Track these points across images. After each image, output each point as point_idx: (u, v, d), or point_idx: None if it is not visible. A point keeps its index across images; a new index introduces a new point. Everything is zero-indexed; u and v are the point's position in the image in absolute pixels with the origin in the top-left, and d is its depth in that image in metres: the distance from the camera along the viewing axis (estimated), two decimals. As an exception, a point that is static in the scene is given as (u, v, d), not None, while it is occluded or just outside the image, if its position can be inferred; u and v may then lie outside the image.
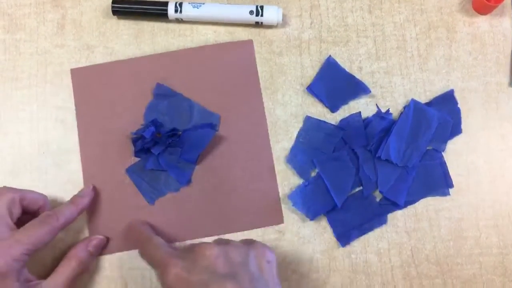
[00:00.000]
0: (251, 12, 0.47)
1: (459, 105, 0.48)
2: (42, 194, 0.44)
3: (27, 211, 0.42)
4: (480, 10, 0.49)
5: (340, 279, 0.45)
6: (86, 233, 0.45)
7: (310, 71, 0.48)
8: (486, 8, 0.48)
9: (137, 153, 0.46)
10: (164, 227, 0.45)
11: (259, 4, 0.47)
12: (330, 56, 0.48)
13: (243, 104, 0.47)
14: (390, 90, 0.48)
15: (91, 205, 0.45)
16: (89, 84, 0.47)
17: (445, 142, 0.47)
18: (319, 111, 0.47)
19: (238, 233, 0.46)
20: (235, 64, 0.48)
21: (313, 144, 0.46)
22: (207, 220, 0.46)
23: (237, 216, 0.46)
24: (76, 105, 0.47)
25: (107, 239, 0.45)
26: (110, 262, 0.45)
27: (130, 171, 0.46)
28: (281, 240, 0.46)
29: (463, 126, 0.47)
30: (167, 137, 0.45)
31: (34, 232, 0.39)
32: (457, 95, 0.48)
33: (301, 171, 0.46)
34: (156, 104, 0.47)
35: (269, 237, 0.46)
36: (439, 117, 0.47)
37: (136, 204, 0.46)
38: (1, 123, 0.47)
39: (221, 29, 0.49)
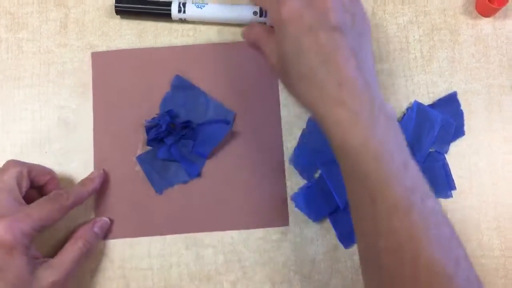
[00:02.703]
0: (255, 13, 0.47)
1: (462, 107, 0.48)
2: (49, 169, 0.44)
3: (34, 185, 0.43)
4: (484, 12, 0.49)
5: (342, 281, 0.45)
6: (92, 216, 0.46)
7: (314, 72, 0.48)
8: (490, 11, 0.48)
9: (149, 142, 0.46)
10: (170, 217, 0.46)
11: None
12: (333, 57, 0.48)
13: (259, 103, 0.47)
14: (393, 92, 0.48)
15: (99, 189, 0.45)
16: (108, 69, 0.48)
17: (448, 144, 0.47)
18: (322, 112, 0.47)
19: (242, 231, 0.46)
20: (255, 62, 0.48)
21: (317, 145, 0.46)
22: (212, 215, 0.46)
23: (243, 214, 0.46)
24: (93, 88, 0.47)
25: (111, 222, 0.45)
26: (112, 262, 0.45)
27: (141, 159, 0.46)
28: (283, 241, 0.46)
29: (466, 128, 0.47)
30: (181, 128, 0.46)
31: (44, 208, 0.39)
32: (460, 97, 0.48)
33: (304, 172, 0.46)
34: (173, 95, 0.47)
35: (271, 238, 0.46)
36: (442, 119, 0.47)
37: (144, 192, 0.46)
38: (4, 122, 0.47)
39: (225, 29, 0.49)
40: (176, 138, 0.46)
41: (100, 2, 0.49)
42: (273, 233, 0.46)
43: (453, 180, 0.46)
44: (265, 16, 0.47)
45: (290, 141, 0.47)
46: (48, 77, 0.48)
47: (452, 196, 0.46)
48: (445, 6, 0.49)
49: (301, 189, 0.46)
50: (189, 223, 0.46)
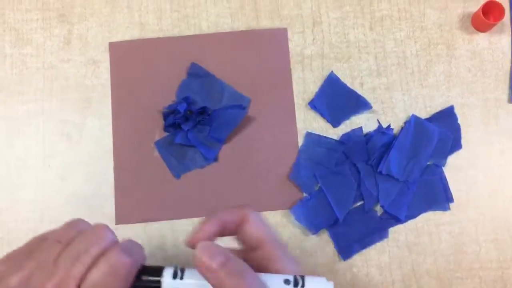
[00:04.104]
0: (286, 282, 0.29)
1: (459, 121, 0.48)
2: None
3: None
4: (480, 27, 0.50)
5: (341, 292, 0.45)
6: (112, 202, 0.47)
7: (312, 87, 0.49)
8: (486, 26, 0.49)
9: (167, 128, 0.47)
10: (188, 201, 0.47)
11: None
12: (332, 72, 0.49)
13: (273, 89, 0.49)
14: (391, 106, 0.49)
15: (118, 176, 0.46)
16: (126, 58, 0.49)
17: (445, 157, 0.47)
18: (321, 126, 0.48)
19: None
20: (268, 50, 0.49)
21: (315, 158, 0.47)
22: (229, 198, 0.47)
23: (258, 196, 0.47)
24: (111, 77, 0.49)
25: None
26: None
27: (159, 144, 0.48)
28: (283, 253, 0.46)
29: (463, 141, 0.48)
30: (198, 114, 0.47)
31: None
32: (457, 111, 0.48)
33: (305, 186, 0.47)
34: (189, 82, 0.49)
35: (271, 251, 0.46)
36: (440, 133, 0.47)
37: (162, 177, 0.47)
38: (8, 136, 0.48)
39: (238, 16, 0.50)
40: (193, 123, 0.47)
41: (103, 18, 0.50)
42: (273, 245, 0.46)
43: (450, 193, 0.47)
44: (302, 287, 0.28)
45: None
46: (52, 92, 0.49)
47: (449, 209, 0.47)
48: (442, 22, 0.50)
49: (301, 202, 0.46)
50: (206, 207, 0.47)
